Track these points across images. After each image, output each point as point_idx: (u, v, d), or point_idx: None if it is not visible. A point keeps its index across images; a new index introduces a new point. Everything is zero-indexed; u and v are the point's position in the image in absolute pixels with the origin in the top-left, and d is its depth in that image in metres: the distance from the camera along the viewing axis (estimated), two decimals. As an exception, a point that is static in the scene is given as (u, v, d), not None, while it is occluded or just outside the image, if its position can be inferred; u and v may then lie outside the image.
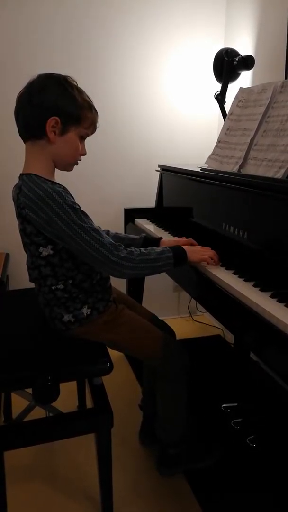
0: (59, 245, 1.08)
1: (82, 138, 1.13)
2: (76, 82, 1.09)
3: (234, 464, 1.39)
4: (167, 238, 1.41)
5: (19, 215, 1.07)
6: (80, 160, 1.15)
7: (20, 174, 1.09)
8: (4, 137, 1.99)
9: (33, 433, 1.12)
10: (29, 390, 1.13)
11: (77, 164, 1.16)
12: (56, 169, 1.14)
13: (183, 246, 1.19)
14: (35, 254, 1.10)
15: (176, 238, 1.41)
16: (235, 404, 1.64)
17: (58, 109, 1.03)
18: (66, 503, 1.27)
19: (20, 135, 1.10)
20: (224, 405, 1.65)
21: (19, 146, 1.11)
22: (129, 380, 1.90)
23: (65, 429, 1.15)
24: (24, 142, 1.10)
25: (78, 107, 1.06)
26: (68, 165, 1.14)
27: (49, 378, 1.06)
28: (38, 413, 1.19)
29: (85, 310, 1.15)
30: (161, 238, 1.40)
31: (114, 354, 1.19)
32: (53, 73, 1.07)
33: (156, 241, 1.36)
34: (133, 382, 1.89)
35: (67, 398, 1.41)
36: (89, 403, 1.25)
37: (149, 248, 1.15)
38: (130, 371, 1.98)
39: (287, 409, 1.66)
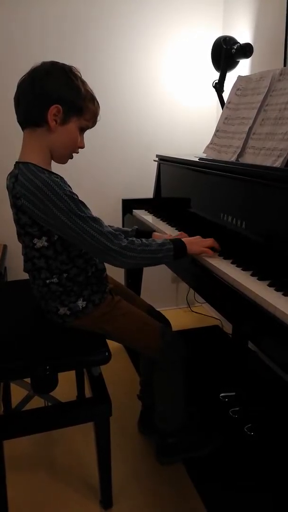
0: (54, 237, 1.07)
1: (82, 130, 1.11)
2: (80, 73, 1.08)
3: (232, 452, 1.40)
4: (158, 234, 1.40)
5: (14, 205, 1.06)
6: (77, 153, 1.14)
7: (16, 162, 1.08)
8: (1, 125, 1.96)
9: (32, 422, 1.13)
10: (28, 380, 1.14)
11: (71, 157, 1.14)
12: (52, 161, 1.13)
13: (182, 239, 1.19)
14: (29, 245, 1.09)
15: (169, 235, 1.40)
16: (233, 393, 1.65)
17: (61, 98, 1.02)
18: (66, 491, 1.29)
19: (18, 122, 1.08)
20: (222, 394, 1.66)
21: (17, 134, 1.10)
22: (128, 370, 1.91)
23: (64, 418, 1.16)
24: (23, 129, 1.09)
25: (81, 97, 1.05)
26: (64, 157, 1.13)
27: (47, 368, 1.06)
28: (37, 402, 1.20)
29: (80, 303, 1.15)
30: (153, 231, 1.40)
31: (112, 344, 1.19)
32: (58, 62, 1.06)
33: (148, 234, 1.35)
34: (131, 372, 1.89)
35: (66, 388, 1.42)
36: (88, 394, 1.26)
37: (150, 239, 1.15)
38: (129, 360, 1.98)
39: (284, 397, 1.67)
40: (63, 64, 1.06)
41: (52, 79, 1.02)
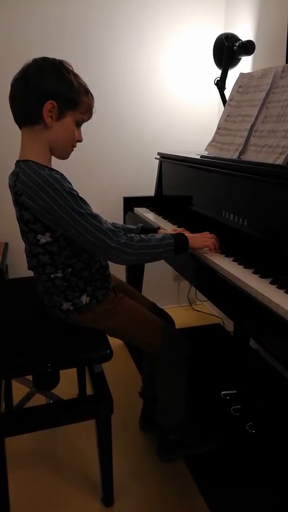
0: (57, 232, 1.07)
1: (78, 124, 1.12)
2: (71, 67, 1.08)
3: (233, 449, 1.40)
4: (164, 230, 1.40)
5: (16, 202, 1.06)
6: (75, 146, 1.14)
7: (17, 161, 1.08)
8: (2, 124, 1.96)
9: (33, 419, 1.13)
10: (30, 377, 1.14)
11: (72, 150, 1.14)
12: (53, 158, 1.12)
13: (184, 233, 1.18)
14: (33, 242, 1.09)
15: (173, 229, 1.40)
16: (235, 391, 1.65)
17: (55, 93, 1.02)
18: (67, 488, 1.29)
19: (15, 121, 1.08)
20: (223, 392, 1.66)
21: (18, 133, 1.10)
22: (129, 368, 1.91)
23: (65, 415, 1.16)
24: (20, 128, 1.09)
25: (75, 91, 1.05)
26: (64, 152, 1.13)
27: (49, 365, 1.06)
28: (39, 400, 1.20)
29: (84, 299, 1.15)
30: (159, 228, 1.39)
31: (114, 341, 1.19)
32: (49, 57, 1.06)
33: (154, 230, 1.35)
34: (133, 369, 1.90)
35: (68, 386, 1.42)
36: (89, 391, 1.26)
37: (149, 234, 1.14)
38: (130, 358, 1.99)
39: (285, 395, 1.67)
40: (54, 59, 1.05)
41: (44, 75, 1.02)
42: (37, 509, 1.22)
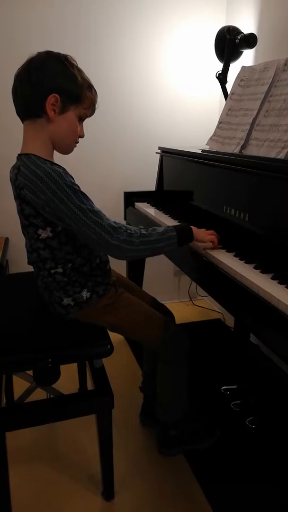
0: (58, 227, 1.07)
1: (81, 120, 1.11)
2: (75, 62, 1.07)
3: (233, 444, 1.40)
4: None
5: (17, 196, 1.06)
6: (78, 142, 1.13)
7: (19, 155, 1.07)
8: (2, 118, 1.95)
9: (34, 414, 1.13)
10: (30, 372, 1.14)
11: (75, 145, 1.14)
12: (55, 153, 1.12)
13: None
14: (34, 237, 1.09)
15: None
16: (235, 387, 1.66)
17: (58, 87, 1.01)
18: (68, 483, 1.29)
19: (18, 114, 1.07)
20: (224, 387, 1.66)
21: (19, 127, 1.09)
22: (130, 363, 1.91)
23: (66, 410, 1.16)
24: (22, 121, 1.08)
25: (78, 86, 1.04)
26: (66, 146, 1.12)
27: (49, 360, 1.06)
28: (39, 395, 1.20)
29: (85, 294, 1.15)
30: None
31: (114, 336, 1.19)
32: (53, 51, 1.05)
33: None
34: (133, 364, 1.90)
35: (68, 381, 1.42)
36: (90, 386, 1.26)
37: (150, 228, 1.14)
38: (131, 353, 1.99)
39: (286, 390, 1.67)
40: (58, 53, 1.05)
41: (48, 68, 1.01)
42: (37, 503, 1.23)
